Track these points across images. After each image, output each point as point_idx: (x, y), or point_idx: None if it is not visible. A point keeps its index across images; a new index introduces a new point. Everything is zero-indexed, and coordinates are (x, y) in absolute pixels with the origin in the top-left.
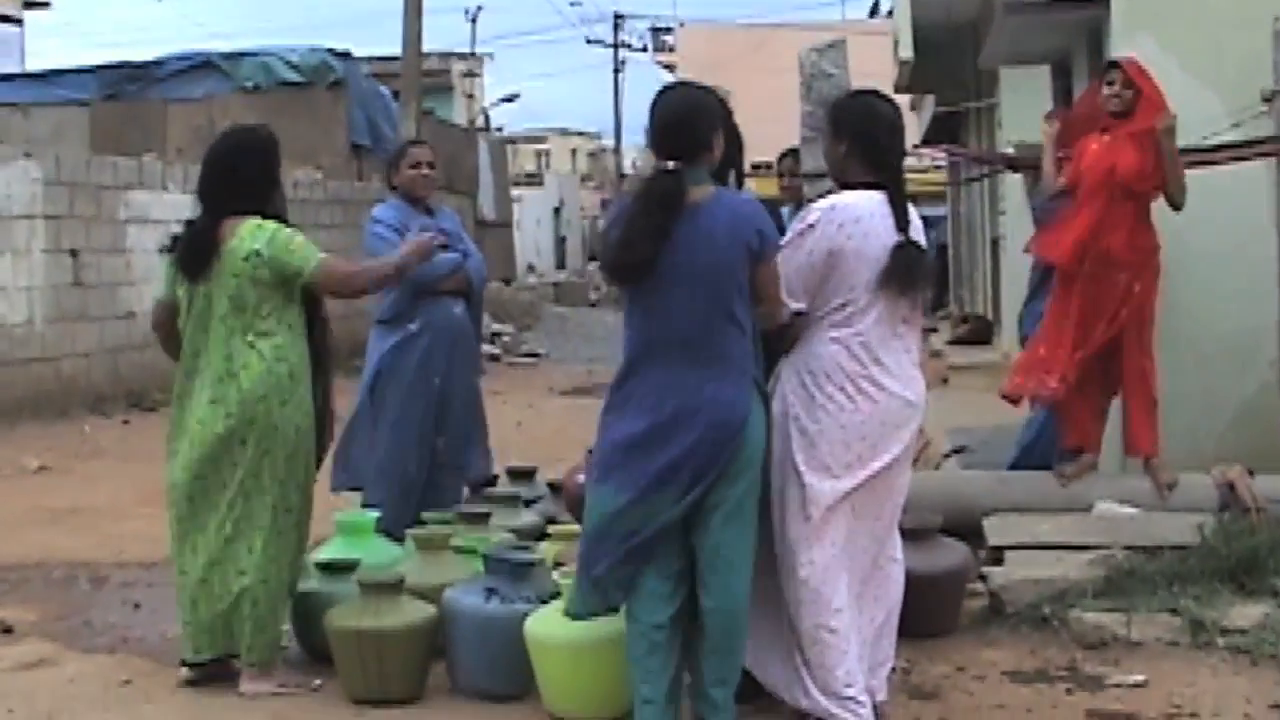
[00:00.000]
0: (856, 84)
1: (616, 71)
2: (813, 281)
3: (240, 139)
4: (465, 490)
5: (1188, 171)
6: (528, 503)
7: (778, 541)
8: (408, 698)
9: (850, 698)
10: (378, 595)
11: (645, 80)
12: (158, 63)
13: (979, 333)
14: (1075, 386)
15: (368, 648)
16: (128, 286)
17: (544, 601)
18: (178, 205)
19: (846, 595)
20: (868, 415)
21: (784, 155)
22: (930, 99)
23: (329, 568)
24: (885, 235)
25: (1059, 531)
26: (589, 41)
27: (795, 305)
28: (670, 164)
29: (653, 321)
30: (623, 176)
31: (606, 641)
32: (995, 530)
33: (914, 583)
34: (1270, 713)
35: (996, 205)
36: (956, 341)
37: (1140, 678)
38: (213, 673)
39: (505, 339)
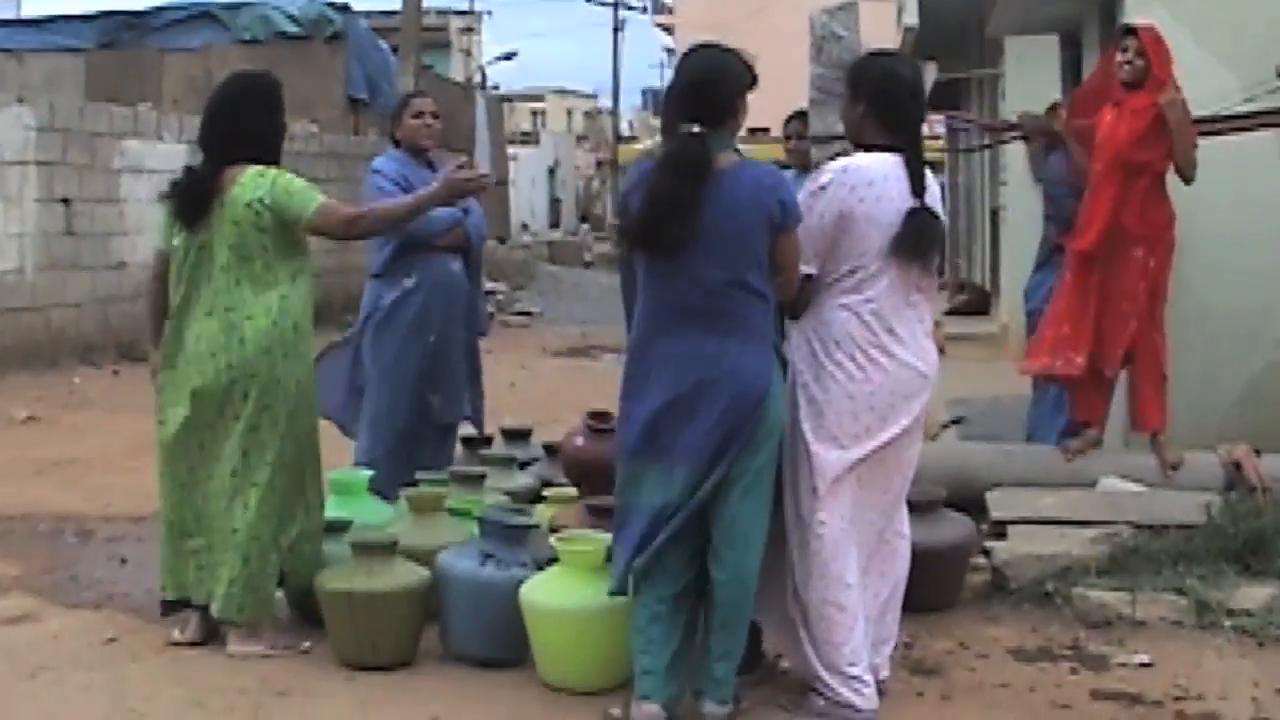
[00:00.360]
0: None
1: (616, 31)
2: (823, 245)
3: (244, 86)
4: (459, 449)
5: (1201, 141)
6: (522, 464)
7: (787, 512)
8: (399, 662)
9: (855, 676)
10: (370, 557)
11: (644, 41)
12: (155, 11)
13: (976, 303)
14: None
15: (359, 611)
16: (120, 236)
17: (540, 567)
18: (172, 155)
19: (855, 571)
20: (877, 385)
21: (791, 118)
22: (932, 66)
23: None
24: (899, 200)
25: (1063, 507)
26: (588, 0)
27: (805, 269)
28: (695, 127)
29: (672, 290)
30: (619, 138)
31: (604, 610)
32: (998, 504)
33: (917, 556)
34: (1278, 697)
35: (997, 175)
36: (954, 311)
37: (1145, 658)
38: (198, 635)
39: (499, 297)
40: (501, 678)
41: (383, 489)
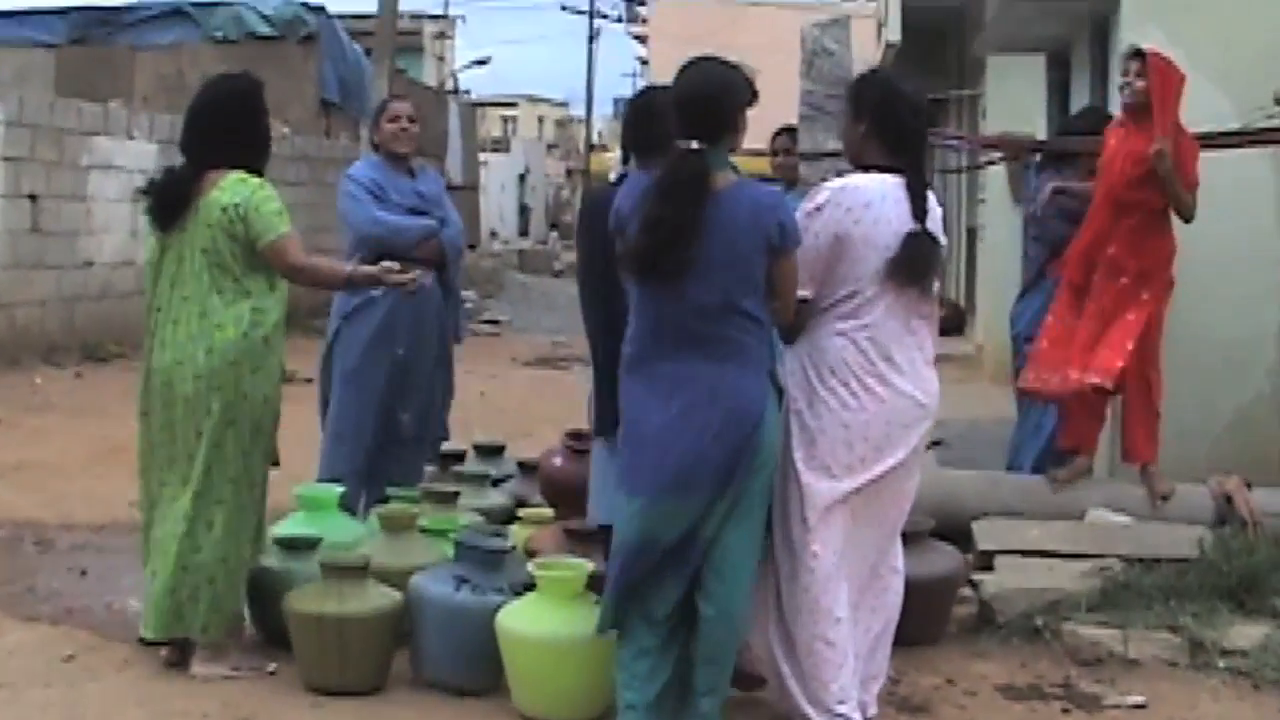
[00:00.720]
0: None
1: (591, 40)
2: (818, 268)
3: (228, 89)
4: (431, 466)
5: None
6: (496, 481)
7: (776, 544)
8: (369, 688)
9: (842, 714)
10: (341, 578)
11: (617, 51)
12: (127, 8)
13: (951, 320)
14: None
15: (329, 634)
16: (87, 235)
17: (517, 593)
18: (142, 153)
19: (846, 605)
20: (872, 414)
21: (779, 133)
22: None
23: (289, 544)
24: (898, 222)
25: (1051, 538)
26: (564, 8)
27: (801, 293)
28: (694, 144)
29: (664, 313)
30: (591, 147)
31: (583, 639)
32: (985, 534)
33: (904, 588)
34: None
35: (975, 195)
36: None
37: (1139, 699)
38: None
39: (468, 305)
40: (475, 706)
41: (350, 505)
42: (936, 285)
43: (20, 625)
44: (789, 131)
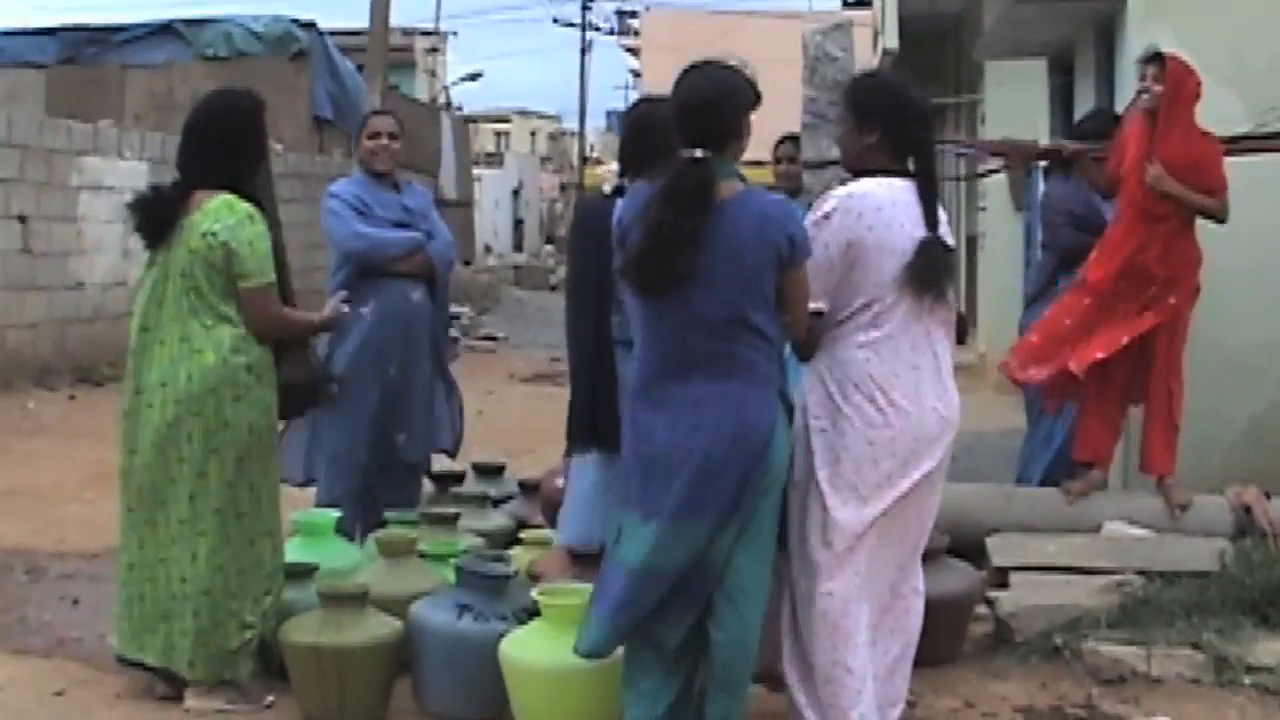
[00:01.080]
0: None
1: (583, 53)
2: (832, 279)
3: (223, 105)
4: (429, 486)
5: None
6: (496, 502)
7: (793, 566)
8: None
9: None
10: (339, 608)
11: (609, 64)
12: (118, 28)
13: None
14: (1095, 398)
15: (327, 666)
16: (79, 256)
17: (520, 621)
18: (133, 172)
19: (865, 629)
20: (899, 430)
21: (781, 141)
22: None
23: (287, 572)
24: (910, 226)
25: (1067, 553)
26: (555, 21)
27: (814, 305)
28: (698, 153)
29: (669, 329)
30: (585, 160)
31: (589, 669)
32: (1000, 550)
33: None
34: None
35: (975, 202)
36: None
37: (1164, 719)
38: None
39: (464, 321)
40: None
41: (346, 530)
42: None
43: (10, 659)
44: (792, 140)
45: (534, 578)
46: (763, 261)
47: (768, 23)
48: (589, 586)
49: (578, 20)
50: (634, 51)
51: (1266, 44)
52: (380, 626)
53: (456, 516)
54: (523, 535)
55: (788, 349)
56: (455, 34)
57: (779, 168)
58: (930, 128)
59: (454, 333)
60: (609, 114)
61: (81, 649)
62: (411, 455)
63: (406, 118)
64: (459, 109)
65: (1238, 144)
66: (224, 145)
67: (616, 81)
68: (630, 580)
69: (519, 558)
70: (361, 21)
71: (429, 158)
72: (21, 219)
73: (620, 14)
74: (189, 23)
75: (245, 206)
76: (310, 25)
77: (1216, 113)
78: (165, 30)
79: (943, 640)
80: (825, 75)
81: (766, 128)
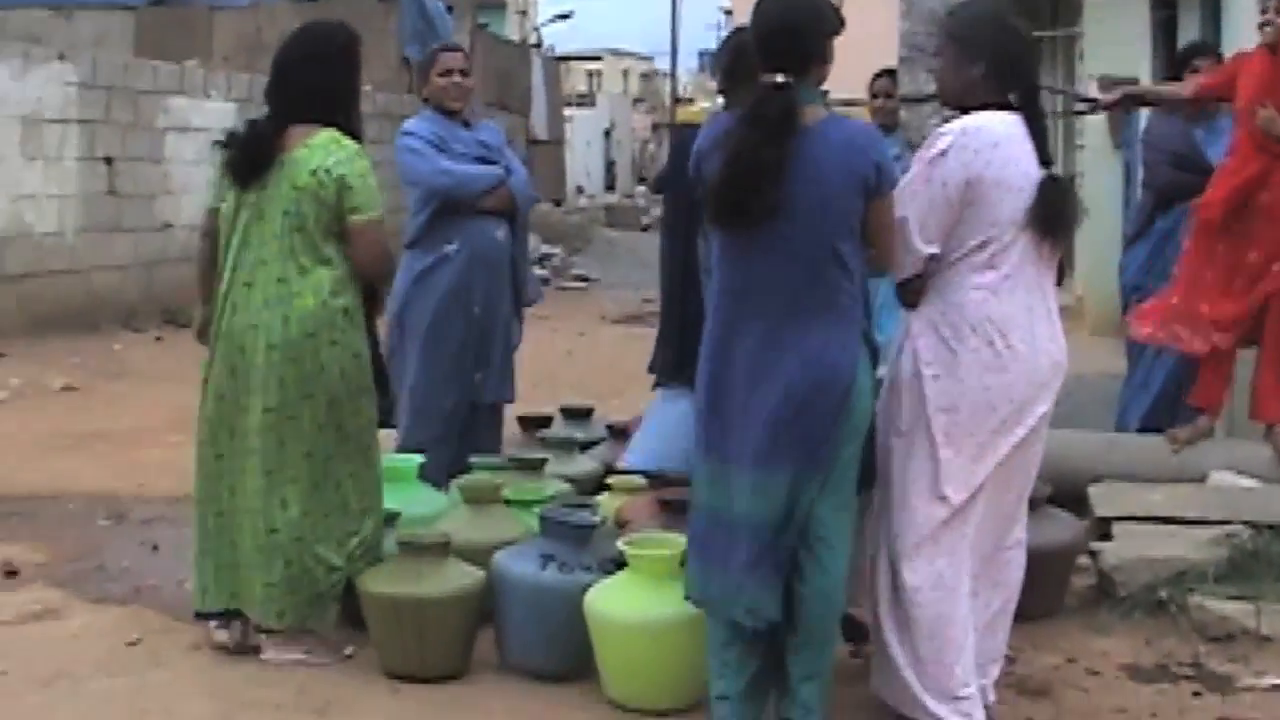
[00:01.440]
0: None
1: None
2: (949, 219)
3: (317, 36)
4: (516, 429)
5: None
6: (584, 446)
7: (896, 520)
8: (450, 673)
9: (964, 697)
10: (419, 558)
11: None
12: None
13: None
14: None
15: (406, 617)
16: (165, 197)
17: (607, 572)
18: (220, 113)
19: (968, 580)
20: (1016, 374)
21: (878, 76)
22: None
23: None
24: (1027, 164)
25: (1172, 503)
26: None
27: (928, 249)
28: (779, 78)
29: (749, 265)
30: (677, 100)
31: (678, 622)
32: (1102, 500)
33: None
34: None
35: (1072, 141)
36: None
37: (1276, 680)
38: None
39: (555, 262)
40: (563, 693)
41: (430, 475)
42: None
43: (88, 607)
44: (888, 74)
45: (621, 525)
46: (848, 190)
47: None
48: (678, 536)
49: None
50: None
51: None
52: (462, 577)
53: (543, 462)
54: (610, 481)
55: (885, 291)
56: None
57: (875, 103)
58: (1035, 59)
59: (543, 273)
60: (701, 53)
61: (159, 597)
62: (492, 395)
63: (496, 58)
64: (550, 49)
65: None
66: (321, 79)
67: (708, 20)
68: (705, 524)
69: (606, 504)
70: None
71: (519, 97)
72: (108, 160)
73: None
74: None
75: (351, 142)
76: None
77: None
78: None
79: (1044, 593)
80: (922, 8)
81: (862, 63)
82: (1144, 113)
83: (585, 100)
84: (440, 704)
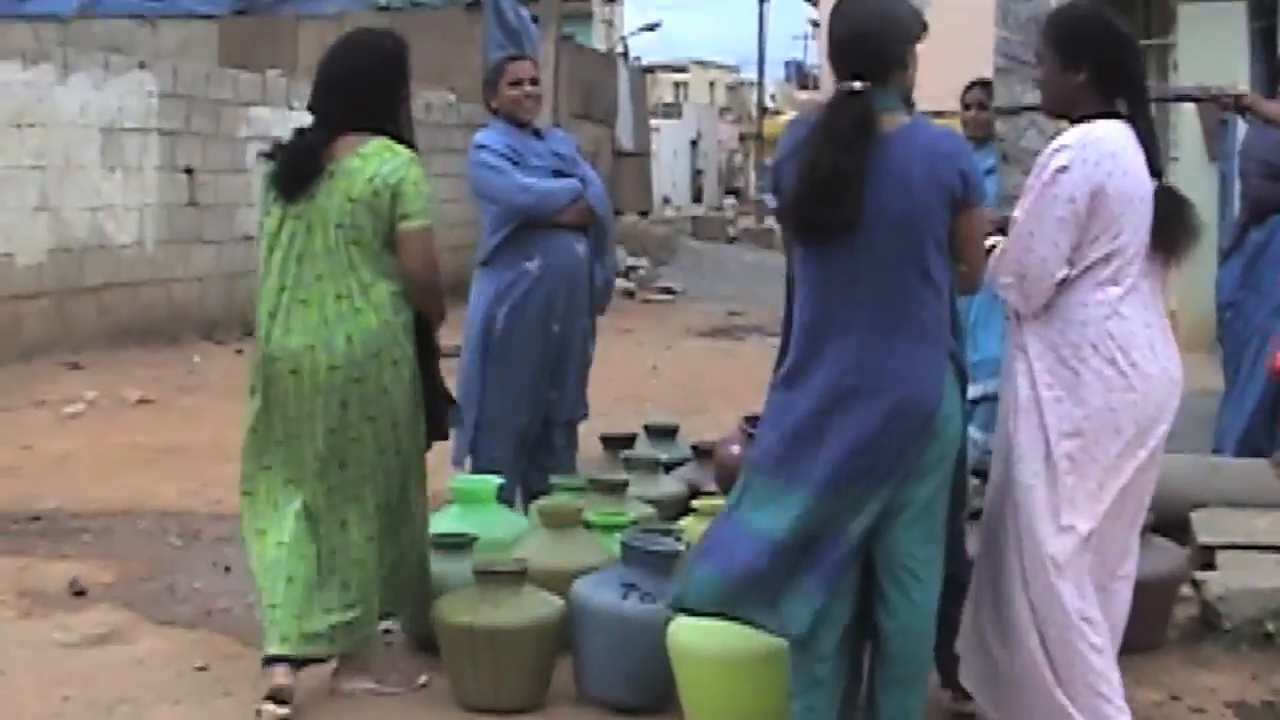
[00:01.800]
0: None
1: (762, 2)
2: (1078, 236)
3: (365, 44)
4: (599, 448)
5: None
6: (668, 467)
7: (1026, 559)
8: (526, 705)
9: None
10: (496, 585)
11: (788, 13)
12: None
13: None
14: None
15: (481, 647)
16: (246, 208)
17: None
18: (302, 123)
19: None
20: (1141, 393)
21: (971, 85)
22: None
23: (441, 543)
24: (1142, 174)
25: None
26: None
27: (1062, 273)
28: (856, 84)
29: (829, 282)
30: (764, 110)
31: (765, 656)
32: (1205, 526)
33: None
34: None
35: (1167, 152)
36: None
37: None
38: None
39: (640, 273)
40: None
41: (506, 497)
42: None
43: (155, 629)
44: (982, 85)
45: None
46: (933, 201)
47: None
48: None
49: None
50: (813, 1)
51: None
52: (539, 606)
53: (625, 484)
54: (695, 504)
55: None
56: None
57: (967, 114)
58: (1141, 64)
59: (629, 285)
60: (787, 64)
61: (229, 620)
62: (567, 413)
63: (582, 68)
64: (636, 60)
65: None
66: (371, 87)
67: (795, 32)
68: (760, 549)
69: (690, 528)
70: None
71: (605, 109)
72: (188, 171)
73: None
74: None
75: (404, 149)
76: None
77: None
78: None
79: (1145, 625)
80: (1019, 15)
81: (953, 73)
82: (1242, 123)
83: (672, 111)
84: None
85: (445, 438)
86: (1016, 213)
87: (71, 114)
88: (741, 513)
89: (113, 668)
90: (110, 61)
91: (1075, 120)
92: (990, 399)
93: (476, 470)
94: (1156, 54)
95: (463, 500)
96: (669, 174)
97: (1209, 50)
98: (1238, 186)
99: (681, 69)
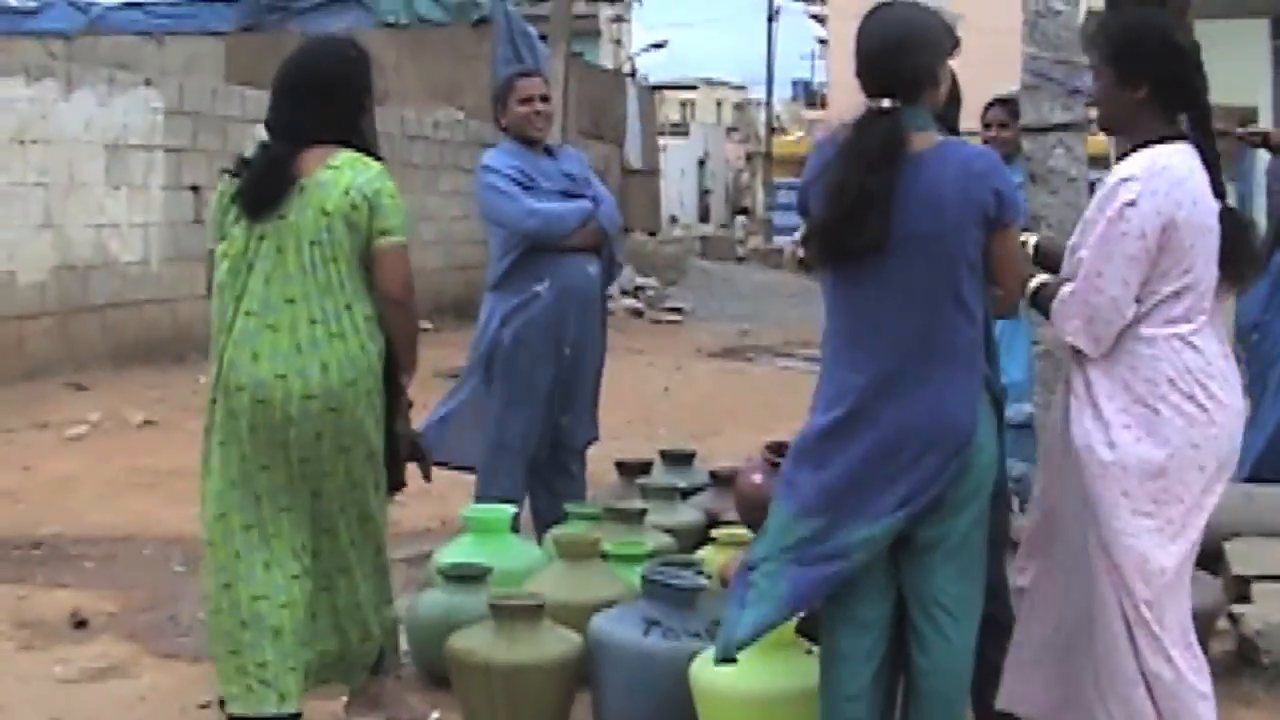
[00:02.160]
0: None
1: (770, 20)
2: (1149, 271)
3: (326, 52)
4: (611, 476)
5: None
6: (685, 493)
7: (1110, 620)
8: None
9: None
10: (513, 621)
11: (795, 32)
12: None
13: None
14: None
15: (497, 685)
16: None
17: (714, 638)
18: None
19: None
20: (1221, 426)
21: (991, 104)
22: None
23: (455, 575)
24: (1210, 200)
25: None
26: None
27: (1130, 312)
28: (885, 102)
29: (859, 306)
30: (774, 130)
31: (794, 696)
32: (1241, 557)
33: None
34: None
35: None
36: None
37: None
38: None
39: (649, 293)
40: None
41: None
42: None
43: (157, 663)
44: (1002, 103)
45: (727, 583)
46: (965, 221)
47: None
48: None
49: None
50: (821, 19)
51: None
52: (558, 642)
53: (643, 513)
54: (715, 534)
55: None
56: (640, 2)
57: (988, 133)
58: (1204, 76)
59: (638, 305)
60: (795, 83)
61: None
62: (579, 439)
63: (591, 86)
64: (644, 78)
65: None
66: (334, 97)
67: (802, 50)
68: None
69: (710, 559)
70: None
71: (614, 127)
72: (194, 189)
73: None
74: None
75: (375, 162)
76: None
77: None
78: None
79: None
80: (1048, 31)
81: (973, 92)
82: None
83: (679, 130)
84: None
85: (404, 486)
86: (1081, 252)
87: (76, 131)
88: (769, 553)
89: (115, 704)
90: (115, 78)
91: (1136, 140)
92: (1014, 426)
93: (482, 495)
94: None
95: (476, 530)
96: (676, 193)
97: (1229, 68)
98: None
99: (689, 88)
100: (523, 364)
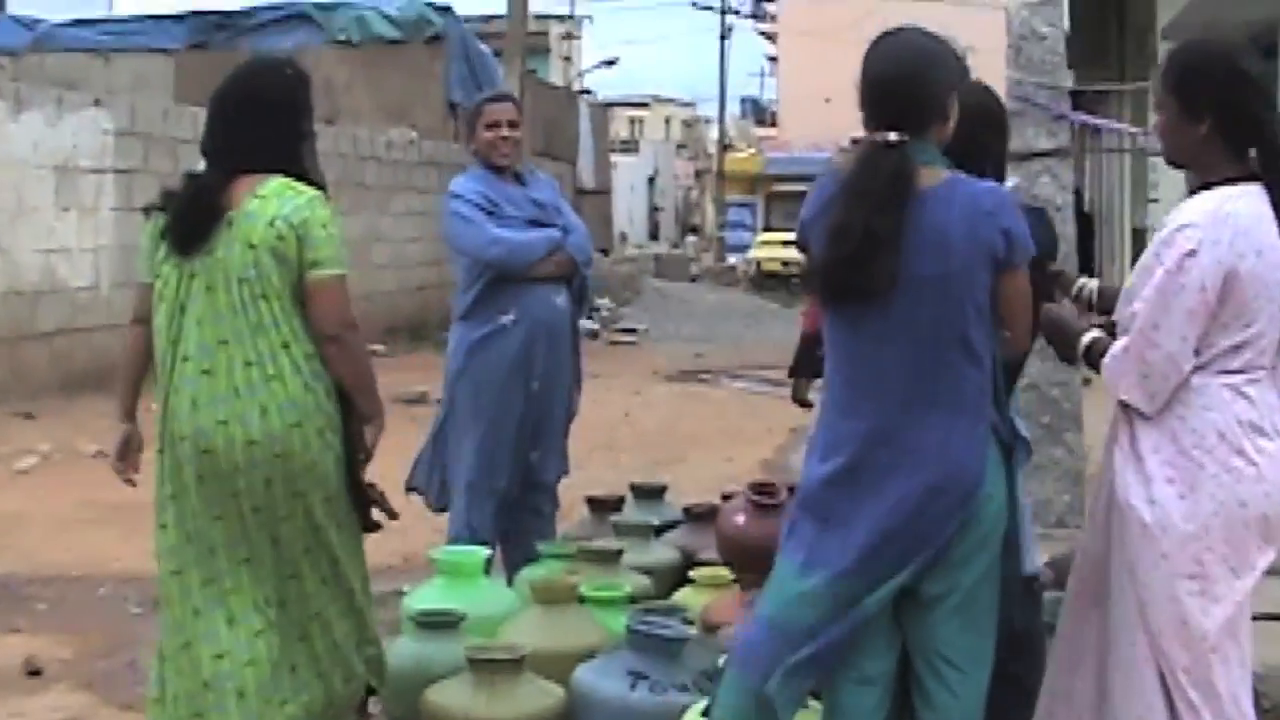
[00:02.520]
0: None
1: (723, 38)
2: (1208, 325)
3: (262, 74)
4: (585, 513)
5: None
6: (658, 530)
7: (1145, 687)
8: None
9: None
10: (492, 674)
11: (745, 50)
12: (248, 11)
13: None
14: None
15: None
16: None
17: (703, 690)
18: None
19: None
20: (1271, 483)
21: None
22: (1069, 75)
23: (427, 621)
24: (1277, 250)
25: None
26: (694, 4)
27: (1187, 367)
28: (892, 136)
29: (861, 350)
30: (725, 147)
31: None
32: None
33: None
34: None
35: (1145, 192)
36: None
37: None
38: None
39: (603, 314)
40: None
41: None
42: None
43: (115, 715)
44: None
45: (710, 628)
46: (973, 262)
47: (911, 6)
48: None
49: (716, 4)
50: (770, 37)
51: None
52: (539, 696)
53: (619, 554)
54: (694, 574)
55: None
56: (590, 19)
57: None
58: (1274, 109)
59: (593, 325)
60: (744, 100)
61: None
62: (550, 474)
63: (544, 104)
64: (594, 96)
65: None
66: (270, 121)
67: (751, 68)
68: (777, 642)
69: (688, 599)
70: (497, 6)
71: (567, 145)
72: (145, 211)
73: None
74: (321, 7)
75: (308, 188)
76: (446, 9)
77: None
78: (297, 15)
79: None
80: (1033, 55)
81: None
82: None
83: (629, 147)
84: None
85: (378, 528)
86: (1136, 304)
87: (24, 152)
88: (765, 603)
89: None
90: (64, 98)
91: (1204, 179)
92: None
93: (453, 535)
94: (1134, 99)
95: (447, 573)
96: (626, 210)
97: None
98: None
99: (640, 105)
100: (488, 398)
